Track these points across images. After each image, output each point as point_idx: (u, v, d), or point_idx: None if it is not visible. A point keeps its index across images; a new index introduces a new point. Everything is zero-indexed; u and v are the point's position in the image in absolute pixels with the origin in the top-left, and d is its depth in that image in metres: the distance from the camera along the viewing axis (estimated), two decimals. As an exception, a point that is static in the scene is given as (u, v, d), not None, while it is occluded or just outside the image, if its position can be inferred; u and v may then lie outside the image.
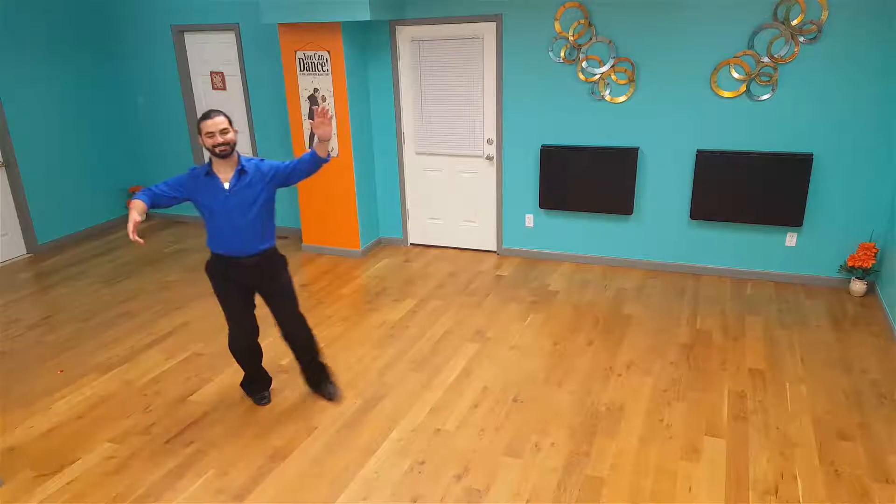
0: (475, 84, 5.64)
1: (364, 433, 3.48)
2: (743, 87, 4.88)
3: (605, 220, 5.58)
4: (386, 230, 6.45)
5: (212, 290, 3.53)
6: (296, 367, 4.17)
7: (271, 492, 3.07)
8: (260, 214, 3.38)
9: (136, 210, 3.15)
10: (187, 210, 7.37)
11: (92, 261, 6.27)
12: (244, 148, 6.84)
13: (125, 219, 7.47)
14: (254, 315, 3.61)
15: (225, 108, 6.75)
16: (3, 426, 3.66)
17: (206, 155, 3.47)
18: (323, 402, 3.77)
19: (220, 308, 3.57)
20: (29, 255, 6.46)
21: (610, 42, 5.11)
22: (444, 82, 5.74)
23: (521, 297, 5.12)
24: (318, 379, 3.82)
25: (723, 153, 5.00)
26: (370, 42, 5.84)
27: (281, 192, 6.77)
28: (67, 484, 3.17)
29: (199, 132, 3.25)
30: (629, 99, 5.20)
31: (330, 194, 6.03)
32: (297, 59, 5.68)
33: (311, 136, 3.91)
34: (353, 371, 4.10)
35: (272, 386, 3.91)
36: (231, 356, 3.87)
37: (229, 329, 3.59)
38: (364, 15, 5.09)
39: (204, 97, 6.85)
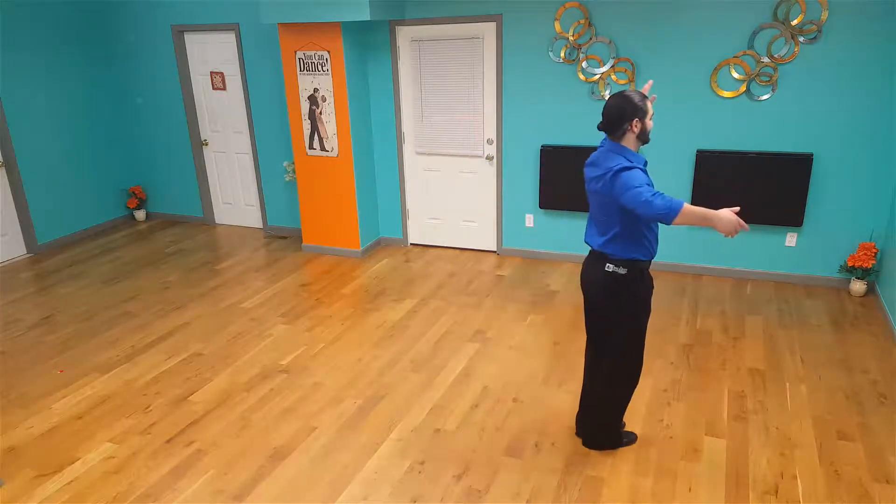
0: (475, 84, 5.64)
1: (364, 433, 3.48)
2: (743, 87, 4.88)
3: (605, 220, 5.58)
4: (386, 230, 6.45)
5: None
6: (296, 366, 4.18)
7: (271, 492, 3.07)
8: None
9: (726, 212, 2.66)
10: (188, 210, 7.37)
11: (92, 261, 6.27)
12: (245, 147, 6.85)
13: (125, 219, 7.47)
14: None
15: (225, 108, 6.78)
16: (3, 426, 3.66)
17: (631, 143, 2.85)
18: (323, 402, 3.77)
19: (636, 333, 3.03)
20: (29, 255, 6.46)
21: (610, 42, 5.11)
22: (444, 82, 5.73)
23: (521, 297, 5.12)
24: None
25: (723, 153, 4.99)
26: (370, 42, 5.84)
27: (281, 192, 6.80)
28: (67, 484, 3.16)
29: (646, 114, 2.77)
30: (629, 99, 5.19)
31: (330, 194, 6.03)
32: (297, 59, 5.67)
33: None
34: (353, 371, 4.10)
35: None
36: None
37: (641, 354, 3.11)
38: (364, 15, 5.09)
39: (204, 97, 6.85)
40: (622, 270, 2.88)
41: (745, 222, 2.68)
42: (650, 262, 2.95)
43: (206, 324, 4.82)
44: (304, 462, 3.26)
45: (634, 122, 2.77)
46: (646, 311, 3.03)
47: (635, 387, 3.19)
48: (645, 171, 2.78)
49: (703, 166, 5.05)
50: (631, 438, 3.31)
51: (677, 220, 2.58)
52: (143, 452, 3.38)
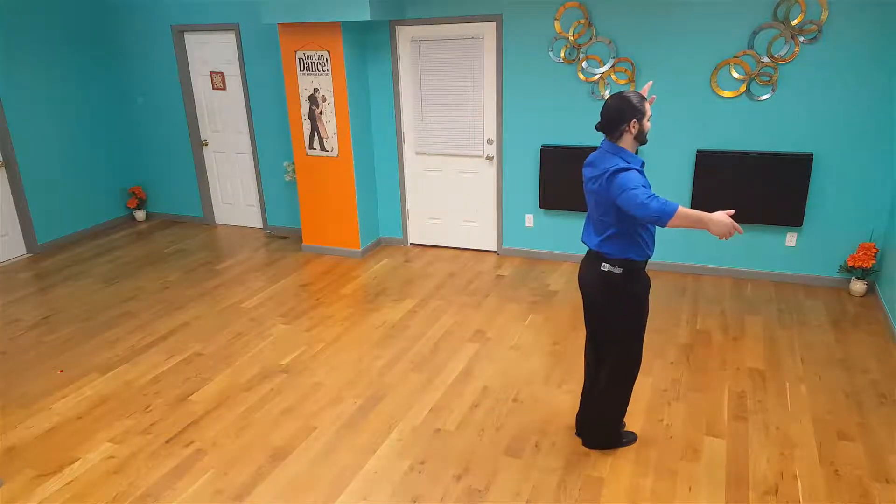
0: (475, 84, 5.63)
1: (364, 433, 3.48)
2: (743, 87, 4.88)
3: (605, 220, 5.58)
4: (386, 230, 6.45)
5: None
6: (296, 366, 4.18)
7: (271, 492, 3.07)
8: None
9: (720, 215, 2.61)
10: (188, 210, 7.37)
11: (92, 261, 6.27)
12: (245, 147, 6.85)
13: (125, 219, 7.47)
14: None
15: (225, 107, 6.79)
16: (3, 426, 3.66)
17: (631, 144, 2.87)
18: (323, 402, 3.77)
19: (635, 332, 3.03)
20: (29, 255, 6.46)
21: (610, 42, 5.11)
22: (444, 82, 5.73)
23: (521, 297, 5.12)
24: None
25: (723, 153, 4.99)
26: (370, 42, 5.84)
27: (281, 192, 6.80)
28: (67, 484, 3.16)
29: (643, 115, 2.78)
30: (629, 99, 5.19)
31: (330, 194, 6.03)
32: (297, 59, 5.67)
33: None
34: (353, 371, 4.10)
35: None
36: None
37: (640, 350, 3.09)
38: (364, 15, 5.09)
39: (204, 97, 6.85)
40: (618, 270, 2.89)
41: (745, 222, 2.69)
42: (646, 262, 2.96)
43: (206, 324, 4.82)
44: (304, 462, 3.26)
45: (632, 123, 2.78)
46: (643, 310, 3.03)
47: (633, 385, 3.20)
48: (642, 173, 2.78)
49: (703, 166, 5.05)
50: (631, 438, 3.31)
51: (672, 222, 2.59)
52: (143, 452, 3.38)
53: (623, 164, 2.73)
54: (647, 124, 2.81)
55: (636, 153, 2.88)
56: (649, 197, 2.61)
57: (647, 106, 2.81)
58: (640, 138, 2.84)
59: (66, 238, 6.78)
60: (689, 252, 5.39)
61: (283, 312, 4.97)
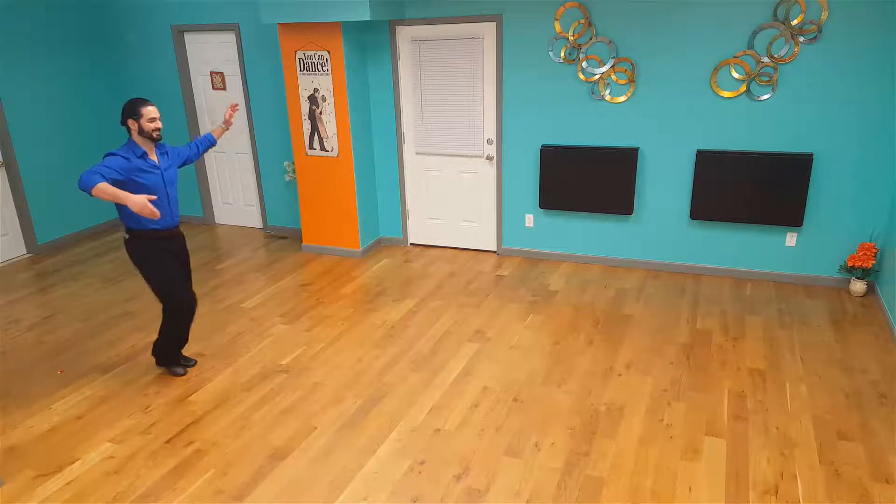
0: (475, 84, 5.64)
1: (364, 433, 3.48)
2: (743, 87, 4.88)
3: (605, 220, 5.58)
4: (386, 230, 6.45)
5: (150, 273, 3.88)
6: (296, 366, 4.18)
7: (271, 492, 3.07)
8: (177, 190, 3.91)
9: (139, 198, 3.37)
10: (188, 210, 7.38)
11: (92, 261, 6.27)
12: (245, 147, 6.85)
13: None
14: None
15: (225, 108, 6.79)
16: (3, 426, 3.66)
17: (133, 138, 3.68)
18: (323, 402, 3.77)
19: (155, 282, 3.89)
20: (29, 255, 6.46)
21: (610, 42, 5.11)
22: (444, 82, 5.74)
23: (521, 297, 5.12)
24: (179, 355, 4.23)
25: (723, 153, 5.00)
26: (370, 42, 5.84)
27: (281, 192, 6.81)
28: (67, 484, 3.17)
29: (139, 116, 3.54)
30: (629, 99, 5.20)
31: (330, 194, 6.03)
32: (297, 59, 5.68)
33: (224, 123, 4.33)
34: (353, 371, 4.10)
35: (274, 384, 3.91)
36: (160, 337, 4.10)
37: (172, 297, 3.93)
38: (364, 15, 5.10)
39: (204, 97, 6.86)
40: (127, 235, 3.78)
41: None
42: (151, 229, 3.73)
43: (206, 324, 4.82)
44: (304, 462, 3.27)
45: (129, 121, 3.57)
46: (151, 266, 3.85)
47: (176, 321, 4.00)
48: (127, 158, 3.54)
49: (703, 166, 5.05)
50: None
51: (94, 193, 3.29)
52: (143, 452, 3.38)
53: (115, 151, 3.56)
54: (147, 124, 3.56)
55: (134, 143, 3.61)
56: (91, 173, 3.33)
57: (146, 109, 3.55)
58: (144, 134, 3.58)
59: (66, 238, 6.78)
60: (689, 252, 5.39)
61: (283, 312, 4.97)
